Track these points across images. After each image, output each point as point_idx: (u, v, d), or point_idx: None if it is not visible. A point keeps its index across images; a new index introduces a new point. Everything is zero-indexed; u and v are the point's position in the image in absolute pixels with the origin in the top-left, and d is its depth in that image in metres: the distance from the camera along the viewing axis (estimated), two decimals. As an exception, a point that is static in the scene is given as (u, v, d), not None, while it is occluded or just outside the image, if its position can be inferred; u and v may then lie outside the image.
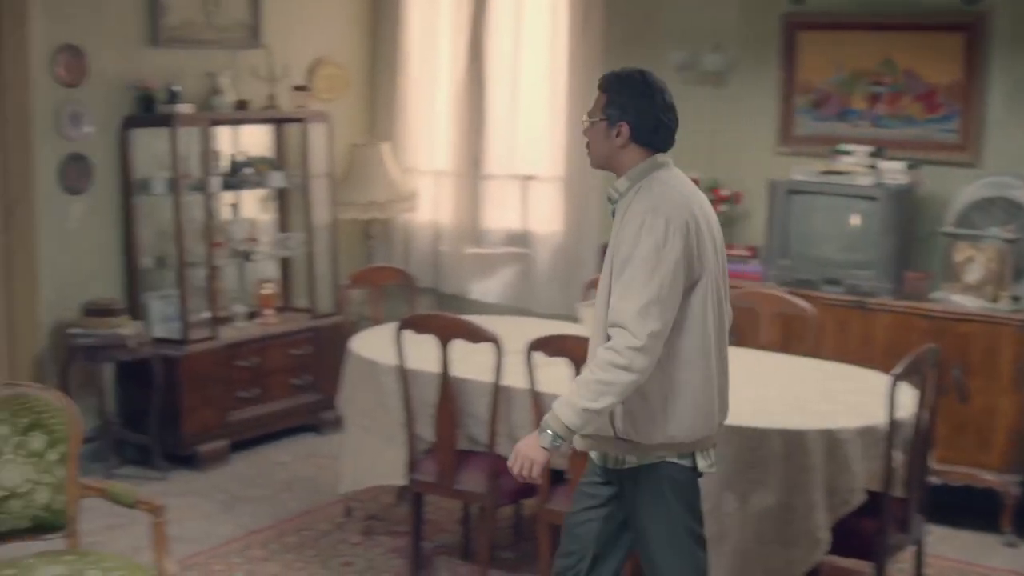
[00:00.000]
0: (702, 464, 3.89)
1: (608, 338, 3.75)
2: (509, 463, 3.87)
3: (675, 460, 3.84)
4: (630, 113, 3.87)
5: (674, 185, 3.87)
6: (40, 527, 4.43)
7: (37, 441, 4.39)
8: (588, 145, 3.99)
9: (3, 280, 6.84)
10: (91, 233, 7.13)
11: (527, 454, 3.81)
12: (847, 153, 6.78)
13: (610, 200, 3.96)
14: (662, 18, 7.66)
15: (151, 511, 4.32)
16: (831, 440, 4.63)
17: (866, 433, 4.69)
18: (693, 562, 3.90)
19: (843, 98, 7.05)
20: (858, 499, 4.70)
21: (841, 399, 5.05)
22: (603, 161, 3.98)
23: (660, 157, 3.91)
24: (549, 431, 3.75)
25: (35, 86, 6.80)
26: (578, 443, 3.96)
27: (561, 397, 3.79)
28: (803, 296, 6.19)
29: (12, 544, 4.48)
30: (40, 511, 4.38)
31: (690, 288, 3.77)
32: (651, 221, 3.74)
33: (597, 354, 3.74)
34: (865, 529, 4.76)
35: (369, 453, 5.77)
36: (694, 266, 3.77)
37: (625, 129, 3.87)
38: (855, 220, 6.64)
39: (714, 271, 3.85)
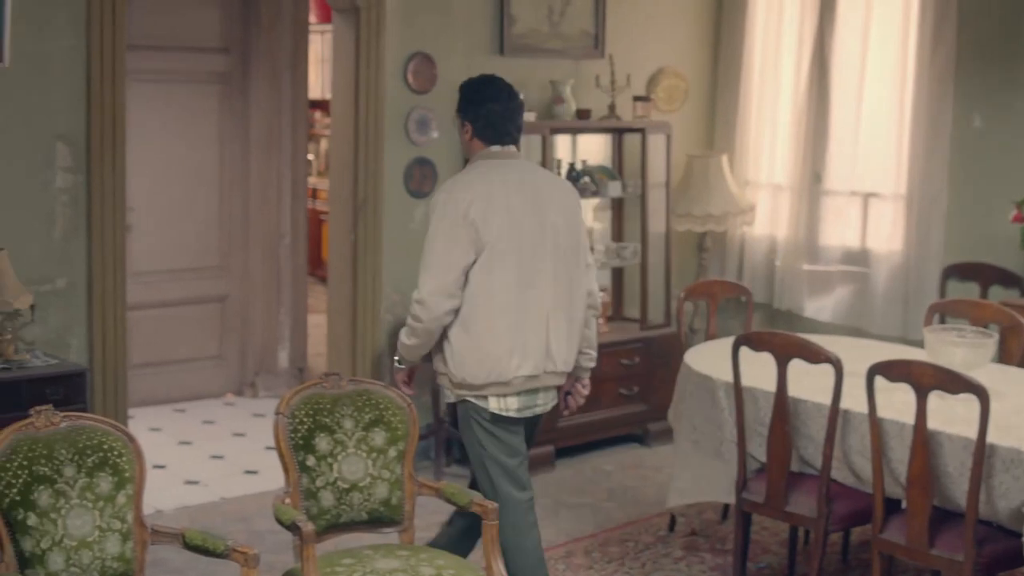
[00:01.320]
0: (494, 405, 4.69)
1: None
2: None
3: (473, 400, 4.71)
4: (470, 114, 4.82)
5: (483, 172, 4.73)
6: (377, 520, 4.54)
7: (378, 437, 4.51)
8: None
9: (348, 278, 7.09)
10: (432, 236, 7.31)
11: (394, 378, 4.98)
12: None
13: None
14: (1021, 32, 7.29)
15: (483, 512, 4.36)
16: None
17: None
18: (490, 484, 4.75)
19: None
20: None
21: None
22: (464, 151, 4.98)
23: (493, 149, 4.79)
24: (396, 359, 4.94)
25: (388, 92, 7.04)
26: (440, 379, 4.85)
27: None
28: None
29: (349, 535, 4.62)
30: (378, 506, 4.49)
31: (477, 258, 4.62)
32: (440, 200, 4.72)
33: None
34: None
35: (697, 468, 5.71)
36: (476, 236, 4.60)
37: (468, 127, 4.83)
38: None
39: (518, 245, 4.64)
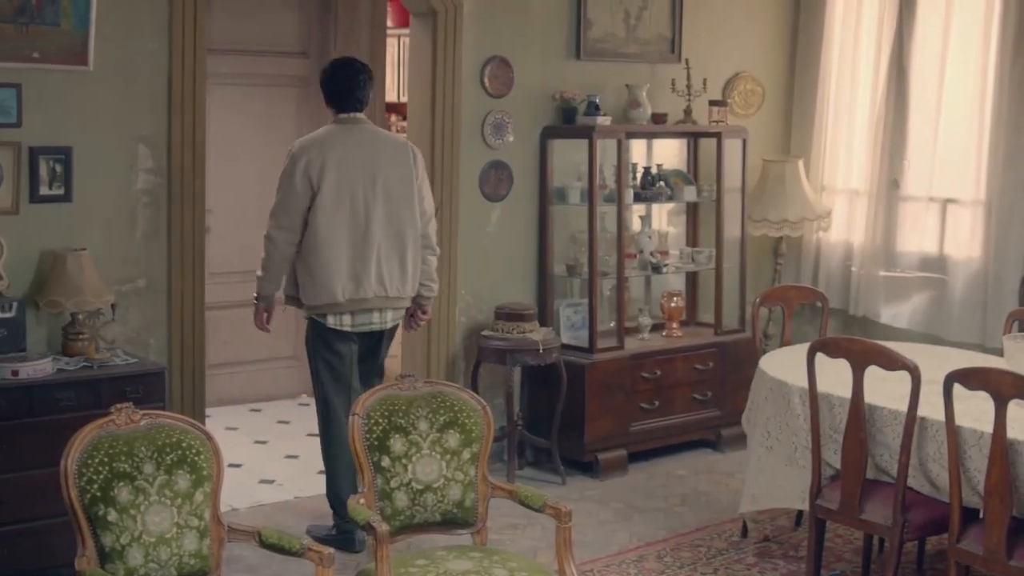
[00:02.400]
0: (331, 322, 5.90)
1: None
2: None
3: (316, 318, 5.91)
4: (323, 87, 6.06)
5: (326, 134, 5.95)
6: (450, 522, 4.55)
7: (453, 439, 4.52)
8: None
9: (424, 280, 7.13)
10: (507, 239, 7.35)
11: (255, 319, 6.17)
12: None
13: None
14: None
15: (557, 516, 4.36)
16: None
17: None
18: (320, 386, 6.03)
19: None
20: None
21: None
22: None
23: (341, 115, 5.98)
24: (254, 297, 6.08)
25: (464, 95, 7.08)
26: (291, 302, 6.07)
27: None
28: None
29: (422, 536, 4.66)
30: (452, 507, 4.51)
31: (312, 200, 5.78)
32: (288, 155, 5.91)
33: None
34: None
35: (771, 474, 5.68)
36: (310, 185, 5.78)
37: (324, 97, 6.05)
38: None
39: (350, 193, 5.81)
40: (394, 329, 6.18)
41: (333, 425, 5.97)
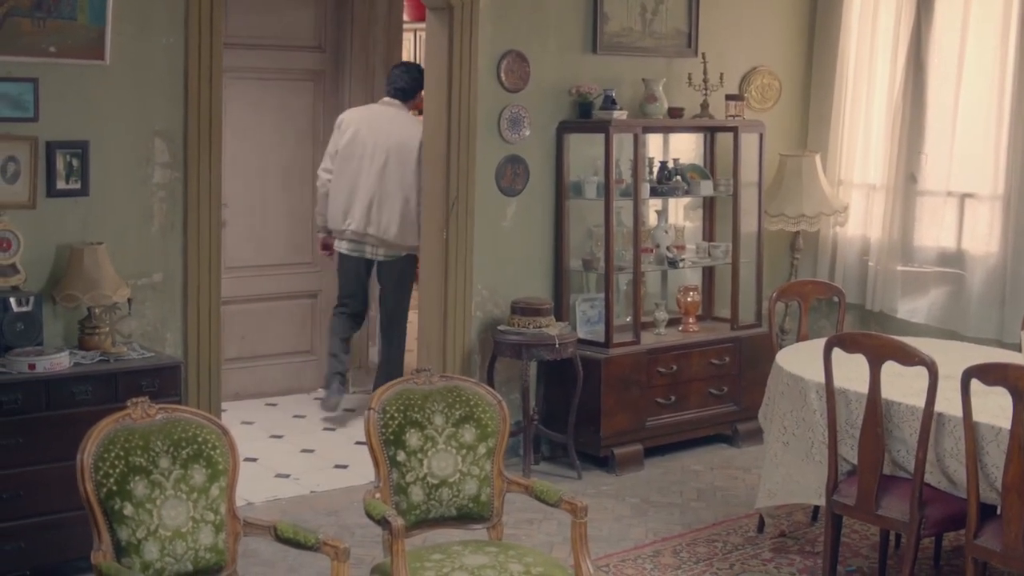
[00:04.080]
0: (336, 245, 8.04)
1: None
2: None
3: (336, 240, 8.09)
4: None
5: (367, 109, 8.08)
6: (465, 517, 4.55)
7: (468, 434, 4.52)
8: None
9: (440, 275, 7.13)
10: (523, 234, 7.34)
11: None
12: None
13: None
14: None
15: (573, 511, 4.36)
16: None
17: None
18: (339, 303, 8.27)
19: None
20: None
21: None
22: None
23: (384, 99, 7.98)
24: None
25: (480, 90, 7.07)
26: None
27: None
28: None
29: (438, 531, 4.65)
30: (467, 502, 4.51)
31: (336, 153, 7.92)
32: None
33: None
34: None
35: (788, 470, 5.67)
36: (337, 138, 7.90)
37: None
38: None
39: (360, 151, 7.81)
40: (395, 268, 7.99)
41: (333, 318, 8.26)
